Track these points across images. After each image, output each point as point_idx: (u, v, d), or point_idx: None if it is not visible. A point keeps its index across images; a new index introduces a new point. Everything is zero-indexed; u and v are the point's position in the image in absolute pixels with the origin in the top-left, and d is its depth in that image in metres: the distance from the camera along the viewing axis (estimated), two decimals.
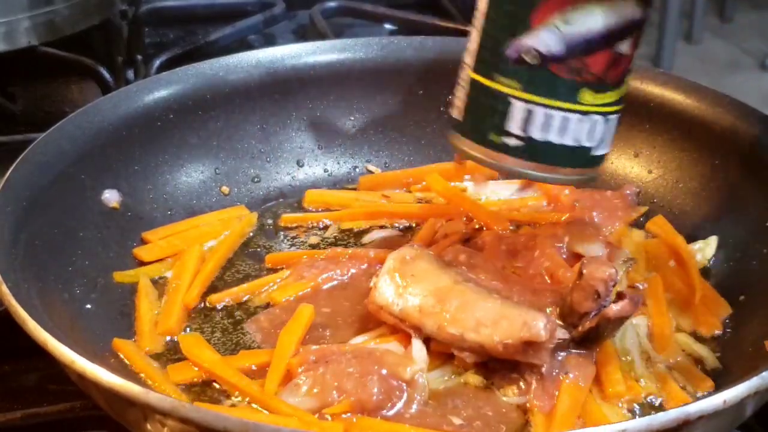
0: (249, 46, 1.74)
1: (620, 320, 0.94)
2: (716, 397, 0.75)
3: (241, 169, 1.29)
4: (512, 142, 0.96)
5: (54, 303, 0.95)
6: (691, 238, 1.16)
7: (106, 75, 1.52)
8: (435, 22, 1.74)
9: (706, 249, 1.13)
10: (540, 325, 0.91)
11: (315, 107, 1.34)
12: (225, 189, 1.27)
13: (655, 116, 1.25)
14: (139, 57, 1.63)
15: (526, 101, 0.95)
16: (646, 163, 1.26)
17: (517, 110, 0.95)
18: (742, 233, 1.12)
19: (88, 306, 1.03)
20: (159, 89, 1.24)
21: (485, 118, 0.98)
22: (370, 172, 1.34)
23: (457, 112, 1.01)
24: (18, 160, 1.04)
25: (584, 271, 0.94)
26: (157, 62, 1.57)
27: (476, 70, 0.98)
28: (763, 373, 0.77)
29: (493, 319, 0.94)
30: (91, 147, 1.14)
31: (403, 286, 0.99)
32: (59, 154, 1.09)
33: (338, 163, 1.35)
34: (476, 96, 0.98)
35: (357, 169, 1.34)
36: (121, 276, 1.10)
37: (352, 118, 1.36)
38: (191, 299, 1.09)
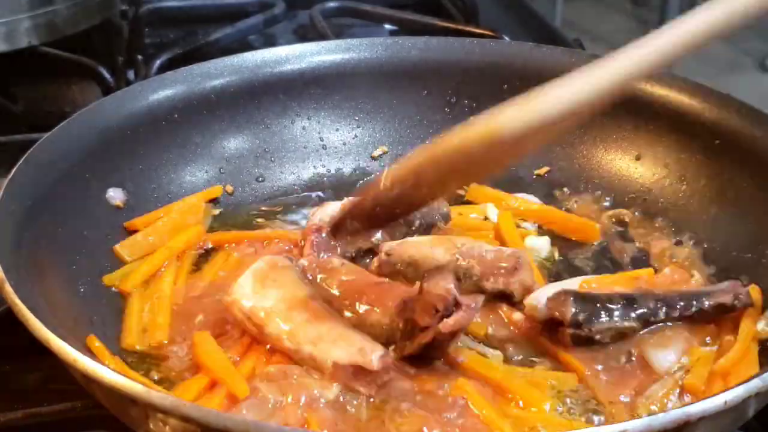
0: (249, 46, 1.75)
1: (456, 333, 0.93)
2: (717, 398, 0.76)
3: (245, 168, 1.30)
4: None
5: (57, 302, 0.95)
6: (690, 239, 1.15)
7: (107, 75, 1.52)
8: (435, 22, 1.74)
9: None
10: (376, 354, 0.91)
11: (319, 107, 1.34)
12: (229, 188, 1.27)
13: (658, 117, 1.24)
14: (140, 57, 1.63)
15: None
16: (650, 165, 1.25)
17: None
18: (743, 235, 1.12)
19: (92, 305, 1.03)
20: (163, 89, 1.24)
21: None
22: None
23: None
24: (22, 159, 1.04)
25: (424, 285, 0.93)
26: (157, 62, 1.57)
27: None
28: (764, 375, 0.78)
29: (333, 338, 0.93)
30: (95, 146, 1.14)
31: (262, 288, 1.00)
32: (64, 153, 1.09)
33: (342, 162, 1.35)
34: None
35: (361, 169, 1.34)
36: (109, 279, 1.09)
37: (357, 118, 1.36)
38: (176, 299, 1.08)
